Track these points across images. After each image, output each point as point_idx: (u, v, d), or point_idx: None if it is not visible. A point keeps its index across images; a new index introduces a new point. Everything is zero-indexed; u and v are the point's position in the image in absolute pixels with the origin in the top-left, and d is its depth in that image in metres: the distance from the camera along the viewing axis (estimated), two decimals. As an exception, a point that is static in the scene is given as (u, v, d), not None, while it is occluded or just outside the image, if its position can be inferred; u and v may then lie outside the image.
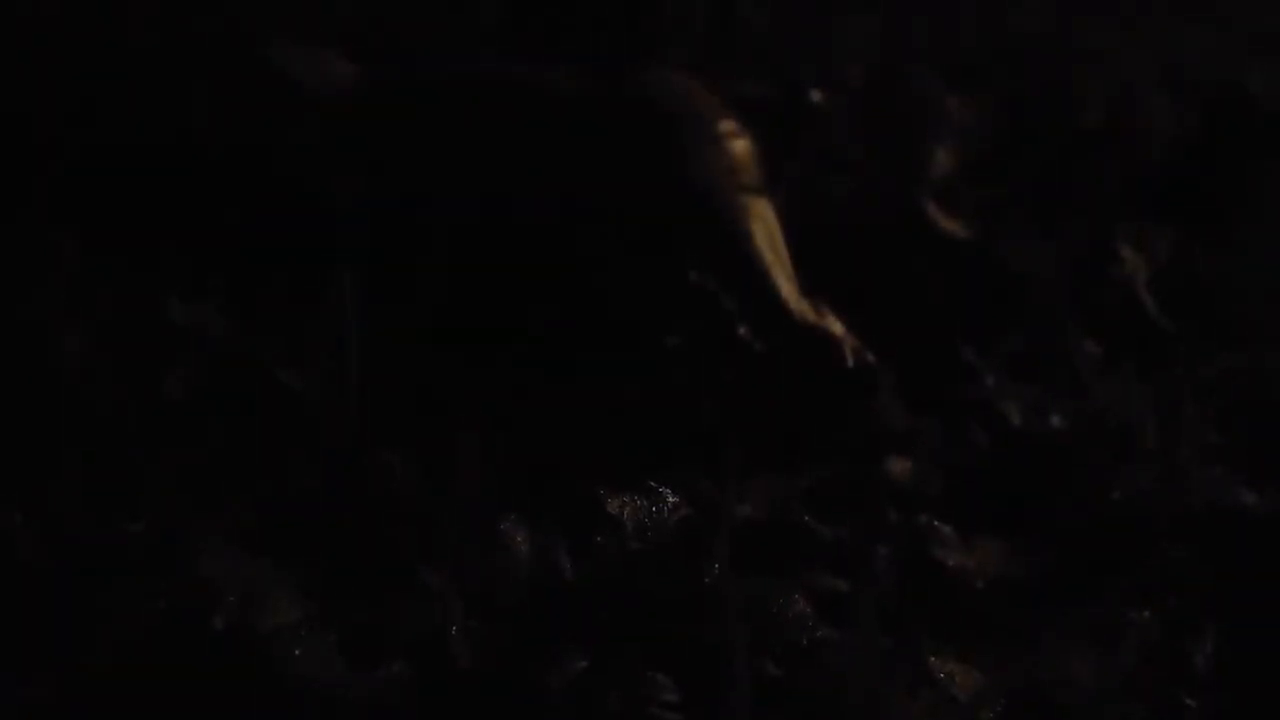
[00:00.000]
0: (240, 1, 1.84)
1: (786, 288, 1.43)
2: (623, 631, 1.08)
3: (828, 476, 1.30)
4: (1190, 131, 2.24)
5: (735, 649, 0.91)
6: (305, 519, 1.17)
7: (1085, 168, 2.13)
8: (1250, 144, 2.16)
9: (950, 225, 1.82)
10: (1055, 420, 1.47)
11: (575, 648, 1.04)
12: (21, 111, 1.64)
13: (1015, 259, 1.78)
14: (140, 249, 1.51)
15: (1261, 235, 1.96)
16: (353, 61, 1.63)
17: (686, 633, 1.07)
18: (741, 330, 1.39)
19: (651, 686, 1.01)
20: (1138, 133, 2.24)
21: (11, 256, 1.49)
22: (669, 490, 1.18)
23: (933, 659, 1.05)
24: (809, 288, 1.47)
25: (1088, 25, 3.08)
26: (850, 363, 1.40)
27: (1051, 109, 2.34)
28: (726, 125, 1.52)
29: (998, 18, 3.00)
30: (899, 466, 1.36)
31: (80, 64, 1.68)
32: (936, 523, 1.25)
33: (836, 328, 1.41)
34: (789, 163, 1.88)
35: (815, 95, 2.11)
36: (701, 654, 1.05)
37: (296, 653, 1.00)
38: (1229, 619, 1.23)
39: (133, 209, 1.55)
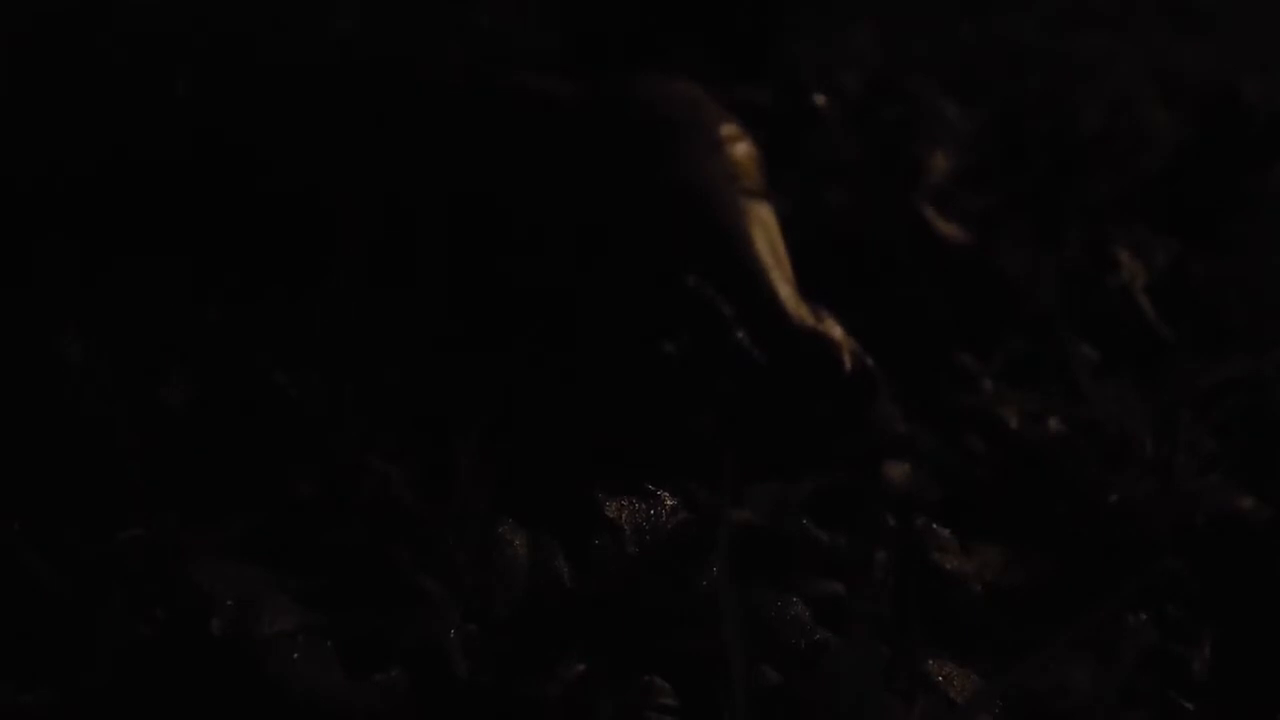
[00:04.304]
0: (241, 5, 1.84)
1: (785, 292, 1.43)
2: (621, 636, 1.07)
3: (826, 481, 1.30)
4: (1187, 138, 2.24)
5: (733, 653, 0.91)
6: (303, 526, 1.17)
7: (1082, 174, 2.13)
8: (1247, 150, 2.16)
9: (948, 232, 1.83)
10: (1052, 426, 1.47)
11: (573, 652, 1.04)
12: (20, 115, 1.64)
13: (1013, 265, 1.78)
14: (138, 254, 1.51)
15: (1259, 241, 1.96)
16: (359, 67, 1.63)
17: (685, 637, 1.07)
18: (740, 335, 1.39)
19: (650, 691, 1.01)
20: (1135, 139, 2.25)
21: (9, 261, 1.49)
22: (667, 494, 1.17)
23: (930, 663, 1.05)
24: (808, 293, 1.47)
25: (1084, 33, 3.08)
26: (849, 368, 1.40)
27: (1048, 116, 2.34)
28: (727, 129, 1.52)
29: (995, 26, 3.01)
30: (897, 472, 1.36)
31: (74, 65, 1.68)
32: (935, 527, 1.26)
33: (836, 332, 1.41)
34: (788, 168, 1.88)
35: (819, 99, 2.12)
36: (699, 658, 1.05)
37: (294, 658, 1.00)
38: (1226, 625, 1.24)
39: (130, 213, 1.55)
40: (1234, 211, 2.06)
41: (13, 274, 1.47)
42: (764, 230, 1.46)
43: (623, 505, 1.15)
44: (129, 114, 1.62)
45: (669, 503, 1.17)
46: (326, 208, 1.51)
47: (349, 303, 1.40)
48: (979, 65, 2.67)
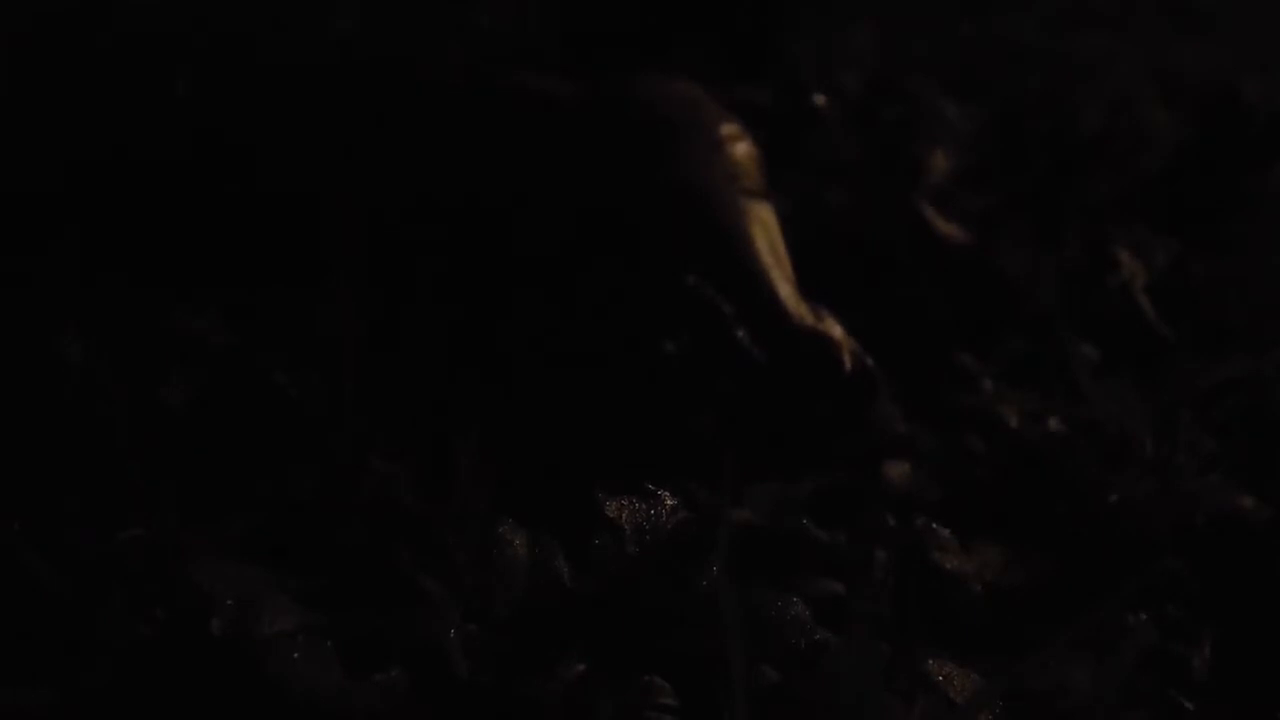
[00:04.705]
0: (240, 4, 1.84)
1: (785, 292, 1.43)
2: (621, 636, 1.07)
3: (826, 481, 1.30)
4: (1187, 138, 2.24)
5: (733, 653, 0.91)
6: (303, 526, 1.17)
7: (1082, 174, 2.13)
8: (1247, 150, 2.16)
9: (948, 232, 1.83)
10: (1053, 426, 1.47)
11: (573, 652, 1.04)
12: (20, 115, 1.64)
13: (1013, 265, 1.78)
14: (138, 255, 1.51)
15: (1259, 241, 1.96)
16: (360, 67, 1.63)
17: (685, 637, 1.07)
18: (740, 335, 1.39)
19: (650, 691, 1.01)
20: (1135, 139, 2.25)
21: (9, 261, 1.49)
22: (667, 494, 1.17)
23: (930, 663, 1.05)
24: (808, 293, 1.47)
25: (1084, 33, 3.08)
26: (849, 368, 1.40)
27: (1048, 116, 2.34)
28: (728, 129, 1.52)
29: (995, 26, 3.01)
30: (897, 472, 1.36)
31: (74, 65, 1.68)
32: (935, 527, 1.26)
33: (836, 332, 1.41)
34: (788, 168, 1.88)
35: (819, 99, 2.12)
36: (699, 658, 1.05)
37: (294, 658, 1.00)
38: (1226, 625, 1.24)
39: (131, 213, 1.55)
40: (1234, 211, 2.06)
41: (13, 274, 1.47)
42: (764, 230, 1.46)
43: (623, 505, 1.15)
44: (129, 114, 1.62)
45: (669, 503, 1.17)
46: (327, 207, 1.51)
47: (349, 303, 1.40)
48: (979, 65, 2.67)
